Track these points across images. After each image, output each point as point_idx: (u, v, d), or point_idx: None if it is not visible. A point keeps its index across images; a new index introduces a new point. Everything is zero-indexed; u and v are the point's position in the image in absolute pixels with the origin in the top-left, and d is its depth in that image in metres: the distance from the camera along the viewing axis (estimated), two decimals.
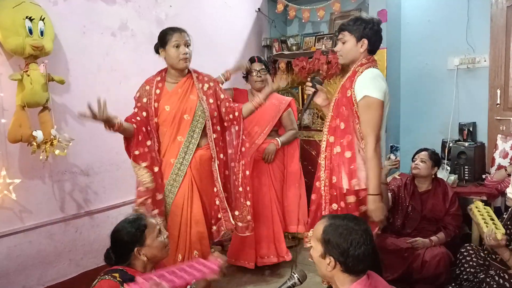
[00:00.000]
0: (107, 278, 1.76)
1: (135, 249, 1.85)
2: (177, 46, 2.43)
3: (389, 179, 3.24)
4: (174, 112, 2.48)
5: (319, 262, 1.56)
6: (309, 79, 2.33)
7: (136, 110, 2.53)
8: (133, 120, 2.47)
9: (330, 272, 1.52)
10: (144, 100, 2.50)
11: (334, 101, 2.24)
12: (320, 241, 1.54)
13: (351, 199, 2.12)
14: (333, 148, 2.18)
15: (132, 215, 1.97)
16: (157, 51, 2.56)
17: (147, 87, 2.53)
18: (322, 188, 2.24)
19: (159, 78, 2.54)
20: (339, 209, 2.16)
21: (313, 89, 2.29)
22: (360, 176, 2.10)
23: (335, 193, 2.17)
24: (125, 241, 1.86)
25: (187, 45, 2.47)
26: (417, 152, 3.13)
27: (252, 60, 3.25)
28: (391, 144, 3.06)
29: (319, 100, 2.33)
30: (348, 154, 2.11)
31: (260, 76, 3.20)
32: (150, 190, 2.43)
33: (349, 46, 2.16)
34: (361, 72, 2.12)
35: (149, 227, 1.89)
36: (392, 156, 2.94)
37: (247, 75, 3.29)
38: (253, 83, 3.24)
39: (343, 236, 1.48)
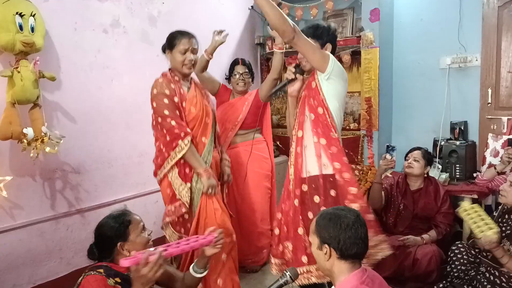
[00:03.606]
0: (92, 273, 1.76)
1: (118, 244, 1.84)
2: (184, 53, 2.39)
3: None
4: (201, 114, 2.45)
5: (317, 255, 1.62)
6: (293, 65, 2.35)
7: (169, 112, 2.33)
8: (187, 129, 2.37)
9: (328, 262, 1.56)
10: (176, 99, 2.36)
11: (301, 99, 2.33)
12: (315, 233, 1.60)
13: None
14: (303, 142, 2.25)
15: (117, 210, 1.96)
16: (164, 51, 2.50)
17: (172, 85, 2.38)
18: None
19: (177, 78, 2.44)
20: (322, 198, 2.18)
21: (293, 75, 2.31)
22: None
23: (313, 185, 2.20)
24: (108, 236, 1.85)
25: (194, 52, 2.43)
26: (410, 151, 3.14)
27: (235, 62, 3.22)
28: (387, 144, 3.04)
29: (293, 87, 2.35)
30: (323, 141, 2.19)
31: (243, 80, 3.18)
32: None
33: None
34: None
35: (133, 223, 1.89)
36: (388, 156, 2.94)
37: (229, 77, 3.26)
38: (234, 85, 3.22)
39: (332, 221, 1.56)
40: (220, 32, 2.93)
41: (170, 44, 2.43)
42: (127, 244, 1.85)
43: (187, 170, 2.40)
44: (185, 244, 1.83)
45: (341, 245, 1.52)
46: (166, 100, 2.33)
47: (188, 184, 2.38)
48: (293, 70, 2.30)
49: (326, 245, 1.55)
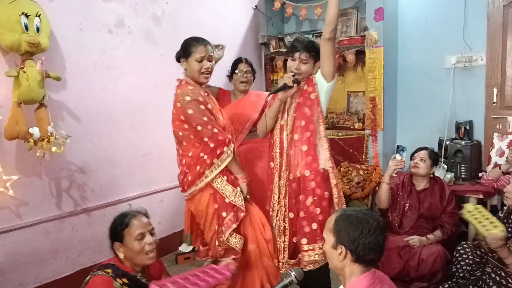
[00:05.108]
0: (99, 273, 1.76)
1: (113, 243, 1.84)
2: (200, 60, 2.30)
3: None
4: (228, 123, 2.43)
5: (330, 253, 1.59)
6: (292, 73, 2.38)
7: (208, 118, 2.24)
8: (227, 135, 2.31)
9: (341, 263, 1.54)
10: (209, 106, 2.28)
11: (295, 104, 2.42)
12: (332, 232, 1.57)
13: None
14: (298, 144, 2.39)
15: (132, 209, 1.96)
16: (178, 60, 2.40)
17: (202, 92, 2.30)
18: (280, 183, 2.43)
19: (198, 86, 2.34)
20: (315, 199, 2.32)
21: (291, 83, 2.35)
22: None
23: (308, 188, 2.34)
24: (111, 233, 1.87)
25: (210, 59, 2.33)
26: (416, 151, 3.12)
27: (239, 61, 3.18)
28: (397, 144, 3.03)
29: (284, 94, 2.40)
30: (305, 148, 2.37)
31: (245, 77, 3.14)
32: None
33: (309, 67, 2.39)
34: (314, 76, 2.42)
35: (130, 227, 1.82)
36: (398, 156, 2.92)
37: (231, 75, 3.25)
38: (237, 83, 3.16)
39: (354, 224, 1.52)
40: (218, 46, 2.85)
41: (185, 52, 2.32)
42: (123, 246, 1.82)
43: (232, 177, 2.33)
44: (203, 280, 1.74)
45: (359, 249, 1.49)
46: (202, 107, 2.23)
47: (238, 188, 2.32)
48: (292, 78, 2.35)
49: (343, 247, 1.52)
